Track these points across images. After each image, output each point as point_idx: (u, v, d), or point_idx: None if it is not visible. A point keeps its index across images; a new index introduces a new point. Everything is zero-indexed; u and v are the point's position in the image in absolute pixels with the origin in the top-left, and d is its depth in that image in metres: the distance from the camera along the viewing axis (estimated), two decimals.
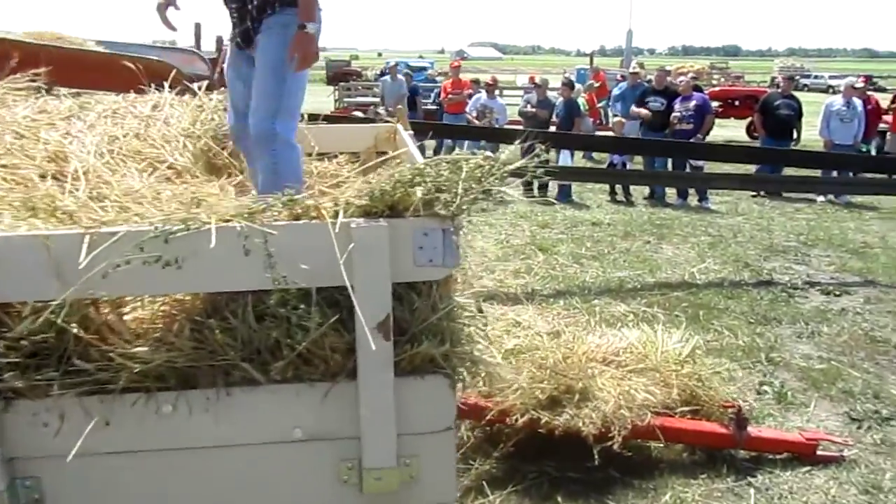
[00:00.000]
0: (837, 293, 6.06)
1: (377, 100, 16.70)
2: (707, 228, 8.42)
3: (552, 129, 11.11)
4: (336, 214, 1.64)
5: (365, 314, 1.65)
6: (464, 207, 1.64)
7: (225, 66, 3.24)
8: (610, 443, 3.04)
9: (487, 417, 3.14)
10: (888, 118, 13.62)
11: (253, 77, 2.82)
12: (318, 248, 1.63)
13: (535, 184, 9.90)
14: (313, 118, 3.83)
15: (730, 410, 3.37)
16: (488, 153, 1.72)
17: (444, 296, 1.80)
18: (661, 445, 3.38)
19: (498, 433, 3.41)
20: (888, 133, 13.46)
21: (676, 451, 3.46)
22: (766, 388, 4.19)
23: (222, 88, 3.51)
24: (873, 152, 13.42)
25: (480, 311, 2.09)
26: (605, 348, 3.76)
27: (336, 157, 3.86)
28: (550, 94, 12.19)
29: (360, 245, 1.63)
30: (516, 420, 3.12)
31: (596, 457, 3.03)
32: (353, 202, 1.66)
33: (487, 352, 1.95)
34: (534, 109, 10.77)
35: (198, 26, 8.19)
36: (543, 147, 1.74)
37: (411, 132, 3.78)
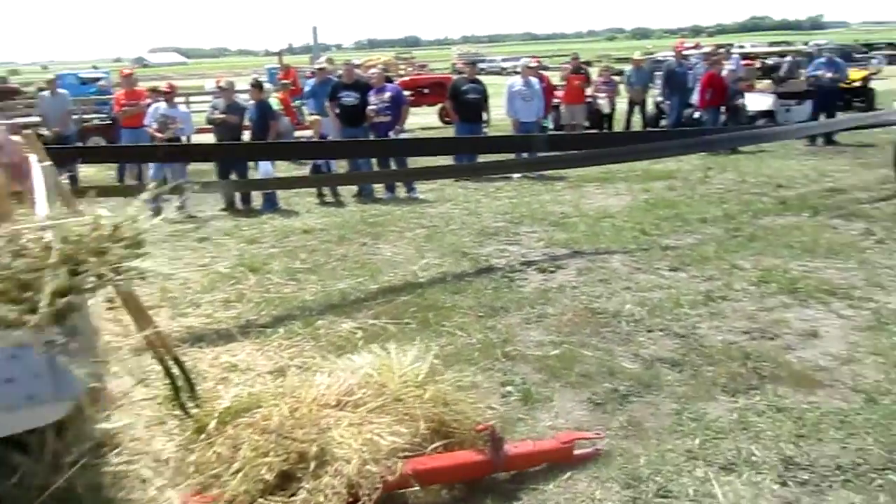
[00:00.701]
0: (552, 269, 6.17)
1: (40, 119, 14.51)
2: (420, 220, 8.29)
3: (246, 134, 10.37)
4: None
5: None
6: (71, 303, 1.00)
7: None
8: None
9: None
10: (559, 93, 14.84)
11: None
12: None
13: (237, 195, 9.16)
14: None
15: (483, 433, 3.04)
16: (102, 212, 1.08)
17: (75, 439, 1.14)
18: (417, 489, 2.95)
19: None
20: (561, 106, 14.69)
21: (434, 492, 3.06)
22: (509, 388, 3.98)
23: None
24: (551, 126, 14.55)
25: None
26: (338, 388, 3.24)
27: None
28: (242, 96, 11.37)
29: None
30: None
31: None
32: None
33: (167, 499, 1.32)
34: (223, 115, 9.89)
35: None
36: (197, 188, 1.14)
37: (49, 163, 2.92)
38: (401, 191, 9.90)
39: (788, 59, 14.00)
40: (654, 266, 6.19)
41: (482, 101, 11.29)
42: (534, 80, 11.71)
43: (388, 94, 9.98)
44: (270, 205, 9.47)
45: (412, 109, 17.04)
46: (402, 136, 9.99)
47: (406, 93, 17.91)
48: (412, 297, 5.53)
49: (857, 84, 18.09)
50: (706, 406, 3.73)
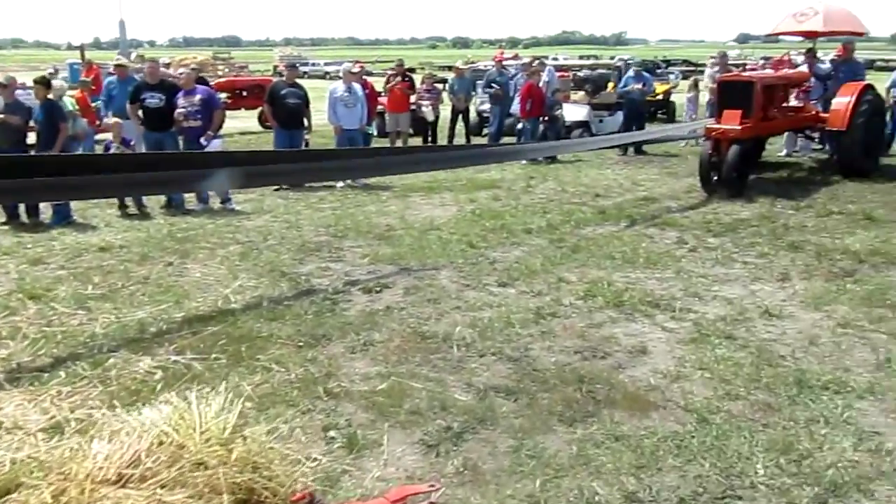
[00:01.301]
0: (378, 289, 5.79)
1: None
2: (235, 235, 7.62)
3: (31, 136, 9.14)
4: None
5: None
6: None
7: None
8: None
9: None
10: (384, 100, 14.55)
11: None
12: None
13: (22, 206, 8.00)
14: None
15: (302, 503, 2.59)
16: None
17: None
18: None
19: None
20: (385, 113, 14.39)
21: None
22: (332, 433, 3.54)
23: None
24: (375, 133, 14.23)
25: None
26: (121, 456, 2.65)
27: None
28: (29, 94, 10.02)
29: None
30: None
31: None
32: None
33: None
34: (1, 116, 8.63)
35: None
36: None
37: None
38: (215, 201, 9.15)
39: (631, 72, 14.61)
40: (482, 282, 6.00)
41: (302, 107, 10.75)
42: (357, 85, 11.31)
43: (198, 97, 9.18)
44: (62, 217, 8.37)
45: (231, 113, 16.13)
46: (215, 142, 9.20)
47: (223, 95, 16.94)
48: (223, 326, 4.93)
49: (660, 97, 19.38)
50: (544, 439, 3.51)
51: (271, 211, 8.88)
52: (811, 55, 12.06)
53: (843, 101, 10.38)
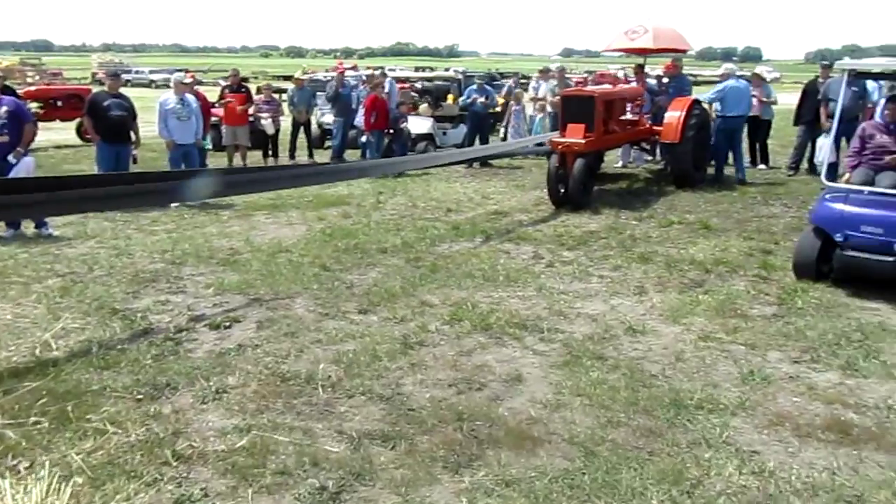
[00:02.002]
0: (227, 324, 5.24)
1: None
2: (54, 266, 6.71)
3: None
4: None
5: None
6: None
7: None
8: None
9: None
10: (218, 111, 13.73)
11: None
12: None
13: None
14: None
15: None
16: None
17: None
18: None
19: None
20: (222, 126, 13.59)
21: None
22: None
23: None
24: (210, 146, 13.39)
25: None
26: None
27: None
28: None
29: None
30: None
31: None
32: None
33: None
34: None
35: None
36: None
37: None
38: (28, 227, 8.08)
39: (474, 85, 14.51)
40: (342, 309, 5.61)
41: (128, 119, 9.81)
42: (190, 97, 10.51)
43: (3, 109, 8.07)
44: None
45: (45, 125, 14.69)
46: (26, 160, 8.12)
47: (33, 105, 15.34)
48: (43, 380, 4.18)
49: (499, 109, 19.70)
50: (430, 492, 3.19)
51: (96, 236, 7.97)
52: (641, 71, 12.65)
53: (674, 115, 10.91)
